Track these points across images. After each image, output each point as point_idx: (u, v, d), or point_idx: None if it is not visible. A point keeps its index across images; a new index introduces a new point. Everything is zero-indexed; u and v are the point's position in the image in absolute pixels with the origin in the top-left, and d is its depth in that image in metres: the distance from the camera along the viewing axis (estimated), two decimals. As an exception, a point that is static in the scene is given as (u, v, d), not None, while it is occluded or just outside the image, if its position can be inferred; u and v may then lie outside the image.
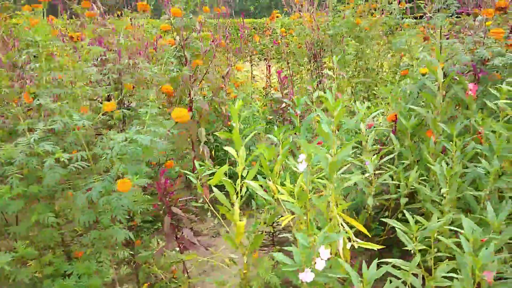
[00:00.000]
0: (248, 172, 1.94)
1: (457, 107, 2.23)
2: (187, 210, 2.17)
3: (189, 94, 2.66)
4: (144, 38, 2.61)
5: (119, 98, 2.16)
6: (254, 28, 11.07)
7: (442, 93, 2.05)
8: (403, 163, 1.98)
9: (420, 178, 1.96)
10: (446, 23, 2.67)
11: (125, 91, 1.94)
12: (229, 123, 3.01)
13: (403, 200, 1.85)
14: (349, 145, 1.50)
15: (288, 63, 4.80)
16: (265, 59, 5.52)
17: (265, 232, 2.46)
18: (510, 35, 2.20)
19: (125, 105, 2.24)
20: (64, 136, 1.80)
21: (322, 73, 4.21)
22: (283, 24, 5.28)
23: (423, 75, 2.15)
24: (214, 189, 1.91)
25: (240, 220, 1.92)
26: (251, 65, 5.35)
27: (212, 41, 3.22)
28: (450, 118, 2.16)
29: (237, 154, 1.92)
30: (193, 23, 2.55)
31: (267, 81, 5.03)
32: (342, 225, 1.57)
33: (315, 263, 1.35)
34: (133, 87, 2.28)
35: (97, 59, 2.22)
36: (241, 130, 3.27)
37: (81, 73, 1.72)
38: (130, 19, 2.88)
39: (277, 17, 5.29)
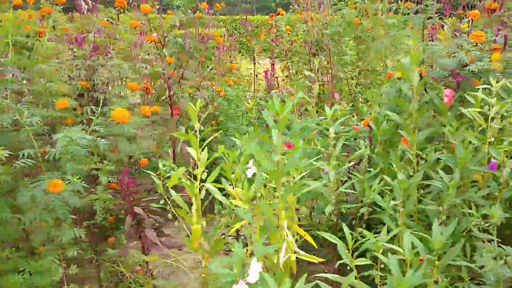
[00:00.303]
0: (207, 174, 1.89)
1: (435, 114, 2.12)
2: (151, 210, 2.14)
3: (168, 92, 2.63)
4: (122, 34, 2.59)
5: (89, 94, 2.15)
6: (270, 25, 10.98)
7: (416, 98, 1.95)
8: (370, 170, 1.89)
9: (387, 187, 1.87)
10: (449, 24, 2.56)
11: (79, 88, 1.92)
12: (212, 122, 2.96)
13: (364, 210, 1.77)
14: (294, 152, 1.43)
15: (288, 61, 4.72)
16: (269, 57, 5.45)
17: (231, 236, 2.41)
18: (496, 38, 2.08)
19: (96, 102, 2.22)
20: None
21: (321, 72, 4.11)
22: (288, 22, 5.19)
23: (399, 78, 2.05)
24: (172, 191, 1.87)
25: (199, 224, 1.88)
26: (254, 63, 5.28)
27: (201, 39, 3.18)
28: (428, 126, 2.05)
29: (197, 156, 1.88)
30: (173, 20, 2.51)
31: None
32: (287, 234, 1.51)
33: (248, 275, 1.30)
34: (107, 84, 2.26)
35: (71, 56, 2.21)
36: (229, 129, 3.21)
37: (38, 68, 1.71)
38: (117, 14, 2.86)
39: (282, 15, 5.20)
